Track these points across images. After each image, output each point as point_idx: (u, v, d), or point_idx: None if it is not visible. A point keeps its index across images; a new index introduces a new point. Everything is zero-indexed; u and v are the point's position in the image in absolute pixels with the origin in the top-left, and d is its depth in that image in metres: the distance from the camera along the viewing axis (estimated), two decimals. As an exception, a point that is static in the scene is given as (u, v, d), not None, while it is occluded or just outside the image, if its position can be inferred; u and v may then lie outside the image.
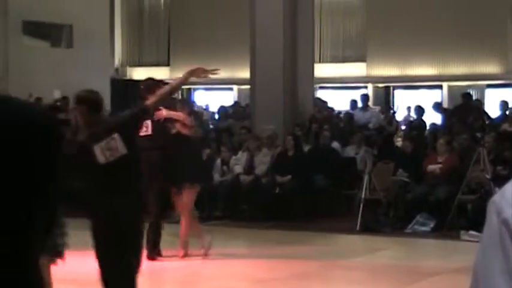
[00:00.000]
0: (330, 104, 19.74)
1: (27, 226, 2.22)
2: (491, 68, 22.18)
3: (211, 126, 20.54)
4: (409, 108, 19.82)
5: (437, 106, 18.84)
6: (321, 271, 10.49)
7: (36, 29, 22.92)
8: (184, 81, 6.84)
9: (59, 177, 2.36)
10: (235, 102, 22.73)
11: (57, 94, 20.97)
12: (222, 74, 29.09)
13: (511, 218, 1.74)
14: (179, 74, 29.43)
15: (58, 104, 19.66)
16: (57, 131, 2.34)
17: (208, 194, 14.43)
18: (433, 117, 18.36)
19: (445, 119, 17.76)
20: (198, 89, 26.01)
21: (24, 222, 2.22)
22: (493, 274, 1.74)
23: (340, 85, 23.87)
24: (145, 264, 6.27)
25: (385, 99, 23.27)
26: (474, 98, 19.75)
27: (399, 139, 16.54)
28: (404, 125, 18.67)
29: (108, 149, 5.98)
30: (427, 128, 17.43)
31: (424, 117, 17.98)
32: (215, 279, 9.87)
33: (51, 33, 23.60)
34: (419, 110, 18.03)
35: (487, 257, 1.76)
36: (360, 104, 18.94)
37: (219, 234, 11.69)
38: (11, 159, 2.19)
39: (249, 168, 14.81)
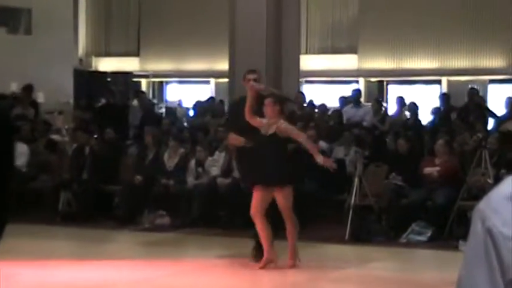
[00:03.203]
0: (317, 100, 19.70)
1: None
2: (495, 62, 22.29)
3: (185, 124, 20.52)
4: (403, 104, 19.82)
5: (444, 98, 18.70)
6: (309, 284, 10.52)
7: (-9, 14, 22.85)
8: None
9: (10, 174, 2.41)
10: (212, 97, 22.71)
11: (14, 86, 20.92)
12: (198, 65, 28.94)
13: (496, 226, 1.78)
14: (150, 65, 29.25)
15: (14, 96, 19.68)
16: (8, 127, 2.41)
17: (181, 199, 14.43)
18: (427, 116, 18.37)
19: (443, 116, 17.74)
20: (171, 82, 25.99)
21: None
22: (477, 285, 1.78)
23: (329, 79, 23.92)
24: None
25: (378, 94, 23.34)
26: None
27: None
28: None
29: None
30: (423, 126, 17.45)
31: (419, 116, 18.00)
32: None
33: (8, 18, 23.52)
34: (414, 108, 18.02)
35: (471, 267, 1.82)
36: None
37: (193, 243, 11.70)
38: None
39: (227, 170, 14.80)
